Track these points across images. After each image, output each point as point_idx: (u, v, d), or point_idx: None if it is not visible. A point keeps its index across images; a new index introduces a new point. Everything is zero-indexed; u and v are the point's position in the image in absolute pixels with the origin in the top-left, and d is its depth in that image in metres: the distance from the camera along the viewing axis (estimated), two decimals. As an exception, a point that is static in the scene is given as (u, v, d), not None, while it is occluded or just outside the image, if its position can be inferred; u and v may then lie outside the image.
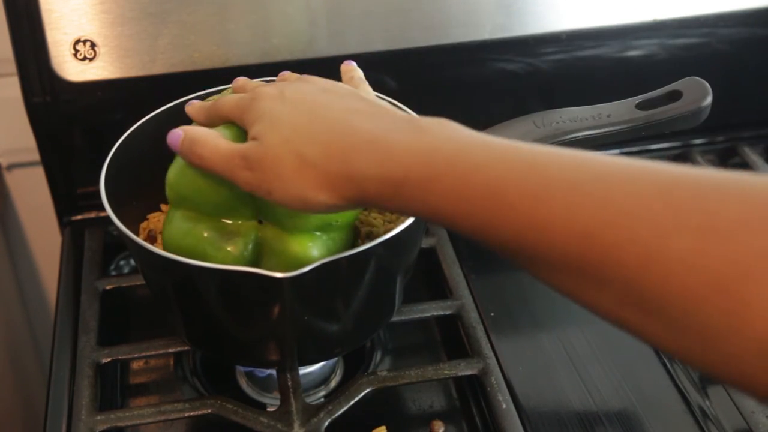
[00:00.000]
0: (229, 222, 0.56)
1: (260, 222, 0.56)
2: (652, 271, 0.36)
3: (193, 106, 0.58)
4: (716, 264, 0.34)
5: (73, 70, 0.74)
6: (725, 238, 0.34)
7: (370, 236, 0.61)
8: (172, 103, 0.65)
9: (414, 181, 0.43)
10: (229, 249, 0.55)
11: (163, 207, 0.66)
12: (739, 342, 0.33)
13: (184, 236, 0.56)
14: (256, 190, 0.49)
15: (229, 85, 0.64)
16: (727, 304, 0.33)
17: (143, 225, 0.66)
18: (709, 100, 0.59)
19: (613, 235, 0.37)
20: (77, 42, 0.73)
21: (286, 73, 0.60)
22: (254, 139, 0.50)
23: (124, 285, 0.74)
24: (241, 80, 0.60)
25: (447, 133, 0.44)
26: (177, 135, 0.53)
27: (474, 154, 0.42)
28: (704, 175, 0.37)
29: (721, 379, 0.36)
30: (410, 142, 0.44)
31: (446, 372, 0.65)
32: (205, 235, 0.56)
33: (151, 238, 0.64)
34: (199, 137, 0.52)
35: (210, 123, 0.56)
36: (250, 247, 0.56)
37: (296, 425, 0.60)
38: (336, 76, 0.59)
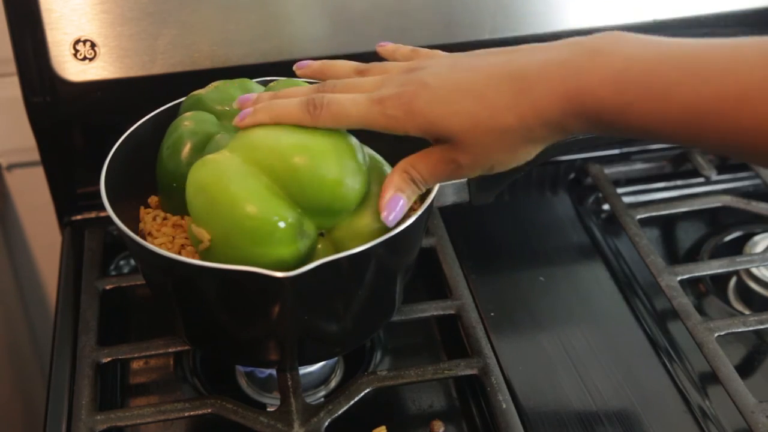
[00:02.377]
0: (305, 218, 0.54)
1: (321, 235, 0.56)
2: None
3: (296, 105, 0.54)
4: None
5: (73, 70, 0.74)
6: None
7: None
8: (172, 103, 0.65)
9: (610, 110, 0.44)
10: (299, 247, 0.53)
11: (151, 201, 0.65)
12: None
13: (262, 207, 0.52)
14: (474, 172, 0.52)
15: (227, 82, 0.64)
16: None
17: (142, 225, 0.66)
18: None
19: None
20: (77, 42, 0.73)
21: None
22: (445, 140, 0.50)
23: (124, 285, 0.74)
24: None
25: (622, 50, 0.45)
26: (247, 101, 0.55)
27: (663, 72, 0.43)
28: None
29: None
30: (593, 70, 0.45)
31: (446, 372, 0.65)
32: (290, 221, 0.52)
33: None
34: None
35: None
36: (308, 254, 0.55)
37: (296, 425, 0.60)
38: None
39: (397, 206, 0.53)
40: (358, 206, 0.55)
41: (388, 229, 0.54)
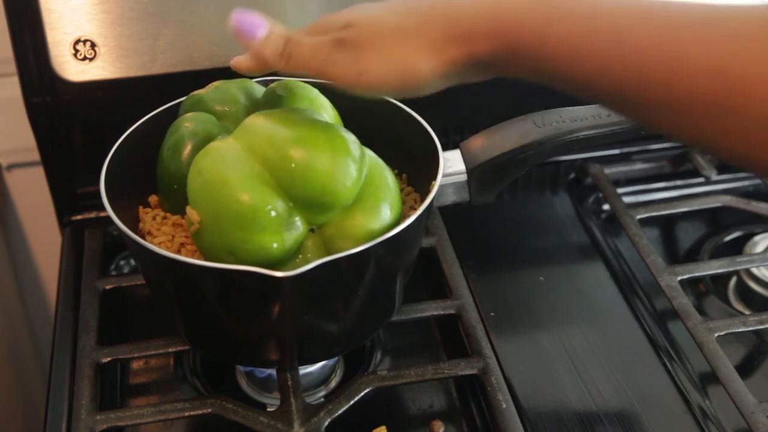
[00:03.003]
0: (294, 211, 0.54)
1: (312, 231, 0.56)
2: None
3: (251, 32, 0.52)
4: None
5: (73, 70, 0.74)
6: None
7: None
8: (172, 103, 0.65)
9: (528, 31, 0.42)
10: (285, 237, 0.54)
11: (152, 201, 0.65)
12: None
13: (253, 194, 0.52)
14: (348, 72, 0.47)
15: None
16: None
17: (141, 224, 0.66)
18: (709, 99, 0.59)
19: (746, 67, 0.36)
20: (77, 42, 0.73)
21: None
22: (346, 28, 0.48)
23: (124, 285, 0.74)
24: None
25: None
26: (254, 25, 0.50)
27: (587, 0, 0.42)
28: None
29: None
30: None
31: (446, 372, 0.65)
32: (279, 211, 0.53)
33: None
34: (293, 38, 0.49)
35: (281, 67, 0.52)
36: (295, 248, 0.55)
37: (296, 425, 0.60)
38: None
39: (249, 23, 0.50)
40: (351, 206, 0.55)
41: (378, 232, 0.54)
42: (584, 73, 0.41)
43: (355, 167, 0.54)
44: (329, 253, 0.54)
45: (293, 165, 0.53)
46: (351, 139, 0.56)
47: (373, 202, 0.56)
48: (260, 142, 0.54)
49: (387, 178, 0.58)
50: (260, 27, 0.50)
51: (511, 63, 0.44)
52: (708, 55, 0.37)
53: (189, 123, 0.60)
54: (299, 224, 0.55)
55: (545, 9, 0.42)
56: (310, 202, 0.54)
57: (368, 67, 0.46)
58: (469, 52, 0.44)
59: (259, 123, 0.55)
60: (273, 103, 0.62)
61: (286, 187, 0.53)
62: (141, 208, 0.64)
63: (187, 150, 0.59)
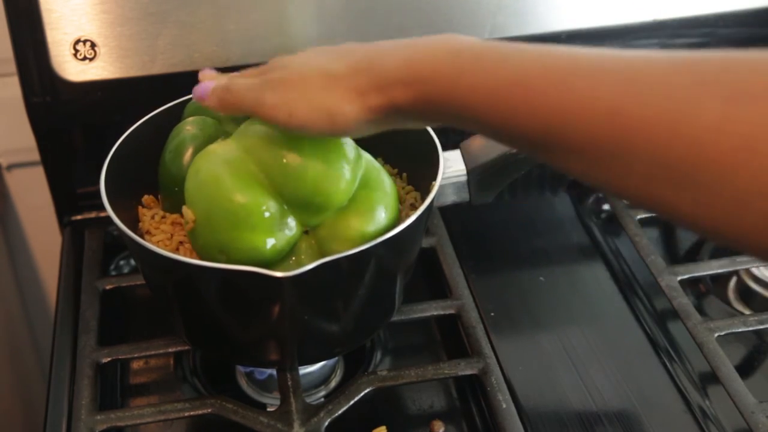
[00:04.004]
0: (288, 212, 0.55)
1: (306, 233, 0.56)
2: (682, 141, 0.35)
3: (204, 94, 0.57)
4: (747, 127, 0.34)
5: (73, 70, 0.74)
6: (754, 102, 0.34)
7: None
8: (172, 103, 0.65)
9: (441, 79, 0.44)
10: (278, 237, 0.54)
11: (146, 201, 0.65)
12: None
13: (246, 193, 0.53)
14: (279, 113, 0.50)
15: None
16: (760, 163, 0.33)
17: (141, 224, 0.66)
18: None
19: (640, 109, 0.37)
20: (77, 42, 0.73)
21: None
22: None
23: (124, 285, 0.74)
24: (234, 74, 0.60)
25: (468, 38, 0.46)
26: (205, 87, 0.54)
27: (499, 50, 0.44)
28: (728, 53, 0.37)
29: (755, 248, 0.36)
30: (435, 45, 0.46)
31: (446, 372, 0.65)
32: (272, 212, 0.53)
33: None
34: (230, 84, 0.53)
35: (225, 111, 0.55)
36: (288, 249, 0.55)
37: (296, 425, 0.60)
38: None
39: (203, 89, 0.54)
40: (345, 208, 0.56)
41: (373, 235, 0.54)
42: (496, 120, 0.43)
43: (348, 169, 0.55)
44: (323, 255, 0.54)
45: (286, 165, 0.53)
46: (346, 141, 0.56)
47: (368, 204, 0.56)
48: (256, 143, 0.54)
49: (383, 181, 0.58)
50: (208, 86, 0.54)
51: (430, 110, 0.46)
52: (601, 100, 0.38)
53: (191, 127, 0.61)
54: (293, 225, 0.55)
55: (456, 59, 0.44)
56: (303, 203, 0.54)
57: (296, 108, 0.49)
58: (389, 100, 0.47)
59: (256, 124, 0.55)
60: None
61: (280, 188, 0.53)
62: (140, 208, 0.64)
63: (189, 153, 0.60)
